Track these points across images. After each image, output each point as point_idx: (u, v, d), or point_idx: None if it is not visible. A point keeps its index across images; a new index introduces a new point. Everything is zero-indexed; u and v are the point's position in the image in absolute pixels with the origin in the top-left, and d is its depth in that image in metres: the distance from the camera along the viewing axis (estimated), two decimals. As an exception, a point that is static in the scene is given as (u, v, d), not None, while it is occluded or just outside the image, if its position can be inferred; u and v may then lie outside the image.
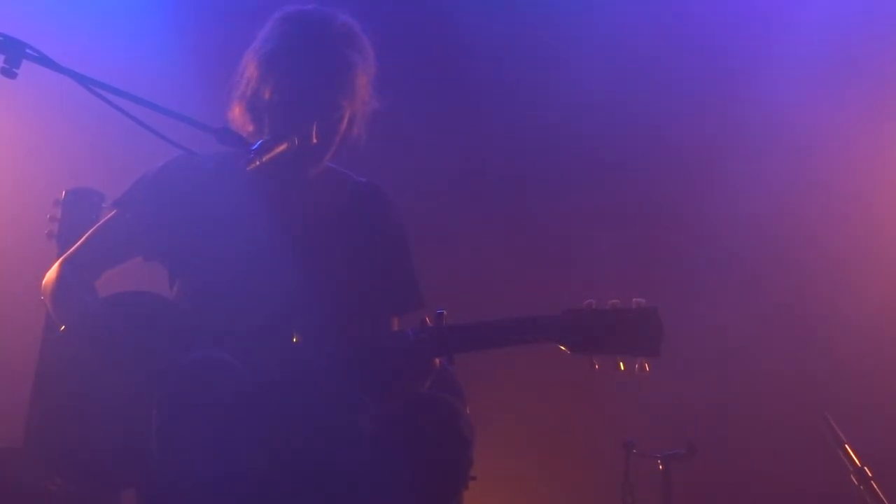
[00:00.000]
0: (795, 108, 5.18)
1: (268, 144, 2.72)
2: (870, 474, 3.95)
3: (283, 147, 2.74)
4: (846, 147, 5.18)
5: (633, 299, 2.65)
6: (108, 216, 3.04)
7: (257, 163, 2.68)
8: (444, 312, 2.72)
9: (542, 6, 5.37)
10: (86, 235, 3.03)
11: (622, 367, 2.63)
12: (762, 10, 5.26)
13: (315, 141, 2.82)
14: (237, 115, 2.95)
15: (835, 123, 5.17)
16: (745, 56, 5.25)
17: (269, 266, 2.86)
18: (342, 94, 2.87)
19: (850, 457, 4.00)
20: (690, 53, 5.27)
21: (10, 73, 2.53)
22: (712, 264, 5.17)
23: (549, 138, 5.32)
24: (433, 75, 5.29)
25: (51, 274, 2.95)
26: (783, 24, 5.20)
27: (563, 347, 2.65)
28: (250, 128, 2.94)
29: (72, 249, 3.01)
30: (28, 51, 2.54)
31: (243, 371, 2.50)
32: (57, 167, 4.82)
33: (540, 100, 5.33)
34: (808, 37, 5.13)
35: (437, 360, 2.74)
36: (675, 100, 5.27)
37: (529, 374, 4.81)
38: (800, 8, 5.19)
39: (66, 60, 2.60)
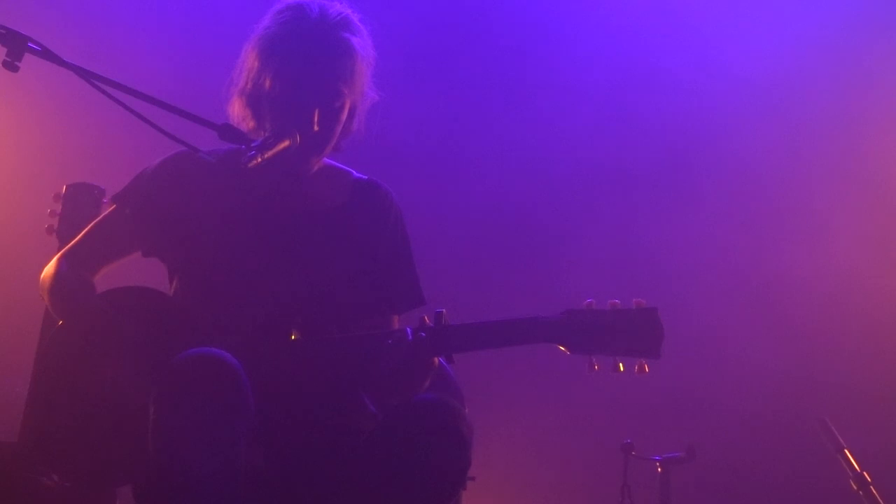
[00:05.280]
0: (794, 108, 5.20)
1: (270, 141, 2.70)
2: (869, 480, 3.95)
3: (285, 144, 2.72)
4: (846, 153, 5.19)
5: (633, 300, 2.64)
6: (108, 211, 3.03)
7: (259, 160, 2.66)
8: (444, 311, 2.70)
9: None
10: (85, 231, 3.02)
11: (621, 368, 2.62)
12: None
13: (316, 128, 2.82)
14: (237, 109, 2.94)
15: (837, 129, 5.19)
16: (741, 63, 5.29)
17: (269, 263, 2.85)
18: (343, 80, 2.86)
19: (850, 462, 3.99)
20: (685, 56, 5.30)
21: (12, 67, 2.51)
22: (712, 266, 5.17)
23: (551, 137, 5.32)
24: (432, 72, 5.29)
25: (49, 269, 2.95)
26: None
27: (562, 348, 2.64)
28: (251, 123, 2.92)
29: (70, 245, 3.01)
30: (30, 44, 2.53)
31: (240, 368, 2.49)
32: (58, 161, 4.82)
33: (540, 99, 5.33)
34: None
35: (436, 360, 2.73)
36: (671, 97, 5.28)
37: (528, 375, 4.81)
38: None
39: (68, 54, 2.59)
